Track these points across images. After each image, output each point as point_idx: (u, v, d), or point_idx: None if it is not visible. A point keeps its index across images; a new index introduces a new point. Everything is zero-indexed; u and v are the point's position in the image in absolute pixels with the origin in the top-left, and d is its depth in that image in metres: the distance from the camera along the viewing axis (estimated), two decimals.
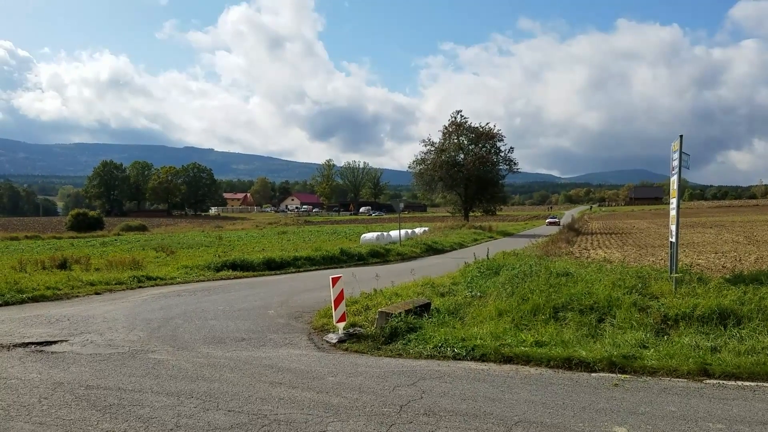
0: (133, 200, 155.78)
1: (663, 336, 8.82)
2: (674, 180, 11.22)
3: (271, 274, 22.33)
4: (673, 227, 11.40)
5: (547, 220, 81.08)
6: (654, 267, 14.71)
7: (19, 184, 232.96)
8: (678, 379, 7.33)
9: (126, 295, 16.32)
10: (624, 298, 10.12)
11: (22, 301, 14.75)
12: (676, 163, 11.02)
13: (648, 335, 8.76)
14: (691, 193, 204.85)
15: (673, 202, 11.41)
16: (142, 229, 72.94)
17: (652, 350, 8.18)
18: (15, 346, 9.73)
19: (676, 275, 11.03)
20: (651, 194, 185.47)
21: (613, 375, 7.57)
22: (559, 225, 65.86)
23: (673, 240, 11.48)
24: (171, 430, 5.79)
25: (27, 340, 10.09)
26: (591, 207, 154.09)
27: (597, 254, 23.58)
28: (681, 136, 10.80)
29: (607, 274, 12.26)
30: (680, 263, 13.26)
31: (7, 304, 14.39)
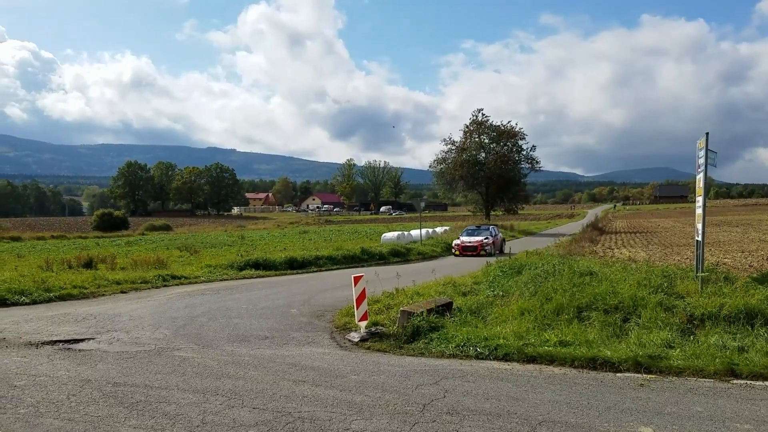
0: (157, 200, 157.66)
1: (689, 336, 8.71)
2: (700, 178, 11.06)
3: (293, 274, 22.48)
4: (699, 226, 11.23)
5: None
6: (680, 266, 14.53)
7: (45, 184, 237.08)
8: (704, 380, 7.23)
9: (151, 293, 16.55)
10: (649, 297, 10.00)
11: (50, 300, 15.02)
12: (702, 161, 10.87)
13: (674, 335, 8.65)
14: (717, 191, 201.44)
15: (699, 200, 11.24)
16: (167, 228, 73.86)
17: (678, 350, 8.08)
18: (43, 344, 9.92)
19: (703, 274, 10.88)
20: (676, 192, 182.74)
21: (639, 375, 7.49)
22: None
23: (699, 239, 11.31)
24: (197, 426, 5.86)
25: (55, 338, 10.29)
26: (614, 205, 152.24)
27: (621, 253, 23.32)
28: (707, 134, 10.64)
29: (632, 274, 12.12)
30: (706, 262, 13.06)
31: (35, 302, 14.67)
